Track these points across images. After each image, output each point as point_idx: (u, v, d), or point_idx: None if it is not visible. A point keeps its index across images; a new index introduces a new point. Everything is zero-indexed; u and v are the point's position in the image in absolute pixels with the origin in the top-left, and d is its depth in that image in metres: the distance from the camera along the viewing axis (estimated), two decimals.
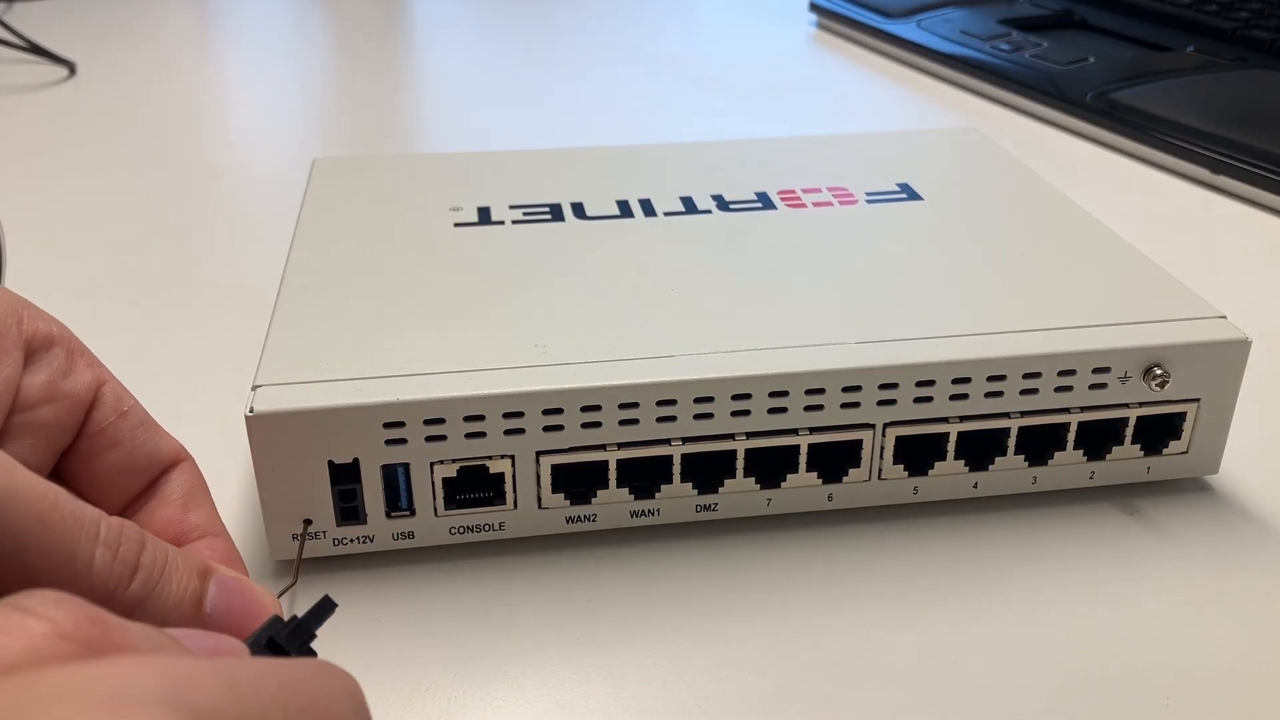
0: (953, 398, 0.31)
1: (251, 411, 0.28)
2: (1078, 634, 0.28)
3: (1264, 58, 0.67)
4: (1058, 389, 0.31)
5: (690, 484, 0.31)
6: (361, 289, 0.34)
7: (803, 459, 0.31)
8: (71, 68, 0.74)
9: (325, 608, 0.21)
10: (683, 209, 0.39)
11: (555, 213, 0.39)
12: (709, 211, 0.39)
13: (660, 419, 0.30)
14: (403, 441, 0.29)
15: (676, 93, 0.73)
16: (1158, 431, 0.33)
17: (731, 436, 0.30)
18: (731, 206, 0.40)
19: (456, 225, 0.38)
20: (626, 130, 0.66)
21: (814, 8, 0.87)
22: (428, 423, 0.29)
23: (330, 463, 0.29)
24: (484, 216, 0.39)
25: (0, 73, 0.74)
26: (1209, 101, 0.61)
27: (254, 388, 0.29)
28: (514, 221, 0.38)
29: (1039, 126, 0.65)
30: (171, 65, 0.79)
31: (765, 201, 0.40)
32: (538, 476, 0.30)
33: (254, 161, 0.62)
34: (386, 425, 0.29)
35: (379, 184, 0.42)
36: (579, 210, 0.39)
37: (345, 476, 0.29)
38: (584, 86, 0.74)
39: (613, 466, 0.30)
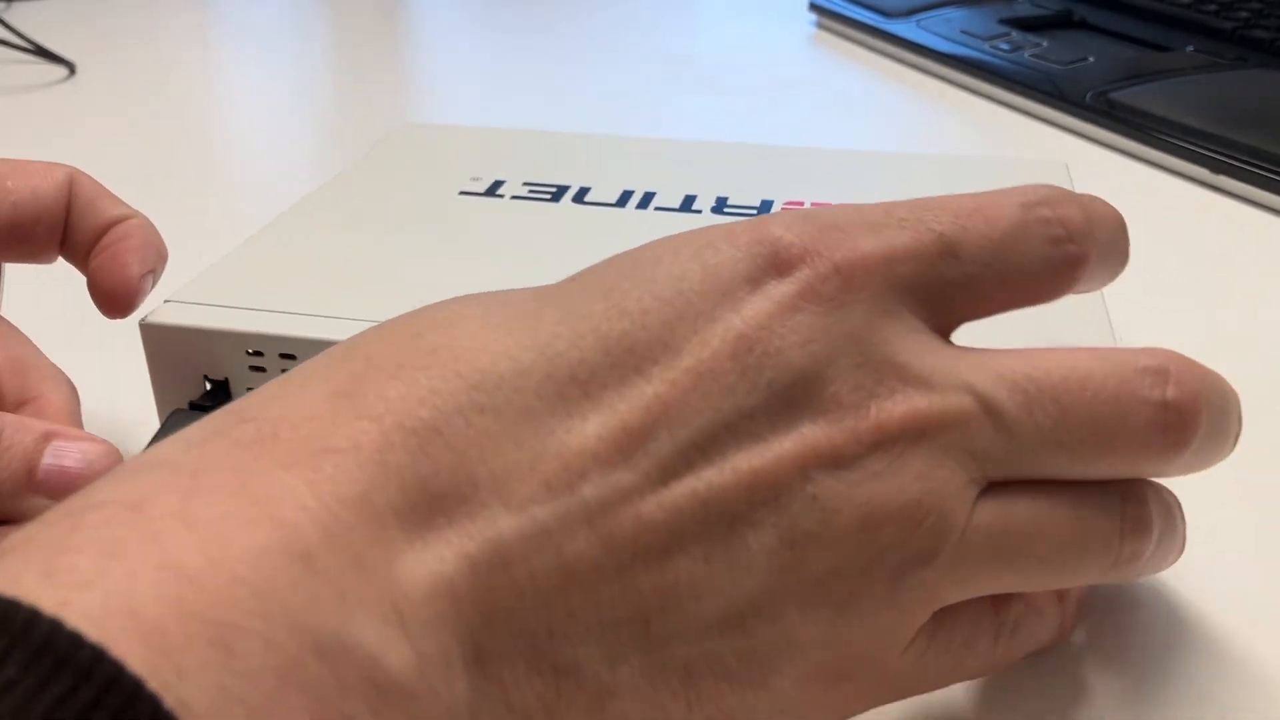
0: None
1: (144, 320, 0.32)
2: (1076, 633, 0.28)
3: (1264, 58, 0.67)
4: None
5: None
6: (333, 237, 0.36)
7: None
8: (71, 68, 0.74)
9: None
10: (677, 206, 0.39)
11: (557, 194, 0.40)
12: (700, 212, 0.39)
13: None
14: (263, 370, 0.31)
15: (675, 92, 0.73)
16: None
17: None
18: (726, 210, 0.39)
19: (460, 193, 0.40)
20: (624, 129, 0.65)
21: (814, 7, 0.87)
22: (283, 356, 0.31)
23: (206, 377, 0.32)
24: (492, 189, 0.40)
25: (0, 73, 0.74)
26: (1209, 101, 0.61)
27: (165, 301, 0.32)
28: (513, 196, 0.39)
29: (1039, 126, 0.65)
30: (172, 65, 0.79)
31: (765, 210, 0.39)
32: None
33: (255, 160, 0.62)
34: (249, 353, 0.32)
35: (429, 150, 0.44)
36: (579, 195, 0.40)
37: (219, 392, 0.33)
38: (581, 85, 0.74)
39: None
